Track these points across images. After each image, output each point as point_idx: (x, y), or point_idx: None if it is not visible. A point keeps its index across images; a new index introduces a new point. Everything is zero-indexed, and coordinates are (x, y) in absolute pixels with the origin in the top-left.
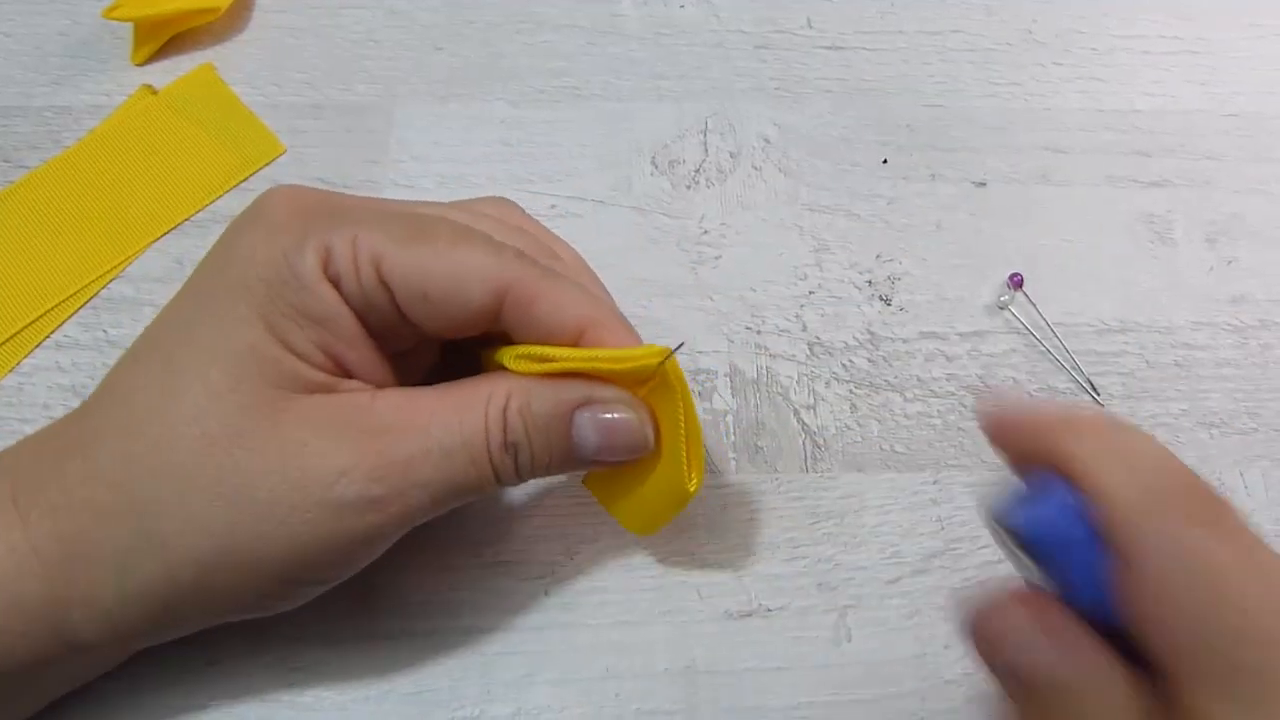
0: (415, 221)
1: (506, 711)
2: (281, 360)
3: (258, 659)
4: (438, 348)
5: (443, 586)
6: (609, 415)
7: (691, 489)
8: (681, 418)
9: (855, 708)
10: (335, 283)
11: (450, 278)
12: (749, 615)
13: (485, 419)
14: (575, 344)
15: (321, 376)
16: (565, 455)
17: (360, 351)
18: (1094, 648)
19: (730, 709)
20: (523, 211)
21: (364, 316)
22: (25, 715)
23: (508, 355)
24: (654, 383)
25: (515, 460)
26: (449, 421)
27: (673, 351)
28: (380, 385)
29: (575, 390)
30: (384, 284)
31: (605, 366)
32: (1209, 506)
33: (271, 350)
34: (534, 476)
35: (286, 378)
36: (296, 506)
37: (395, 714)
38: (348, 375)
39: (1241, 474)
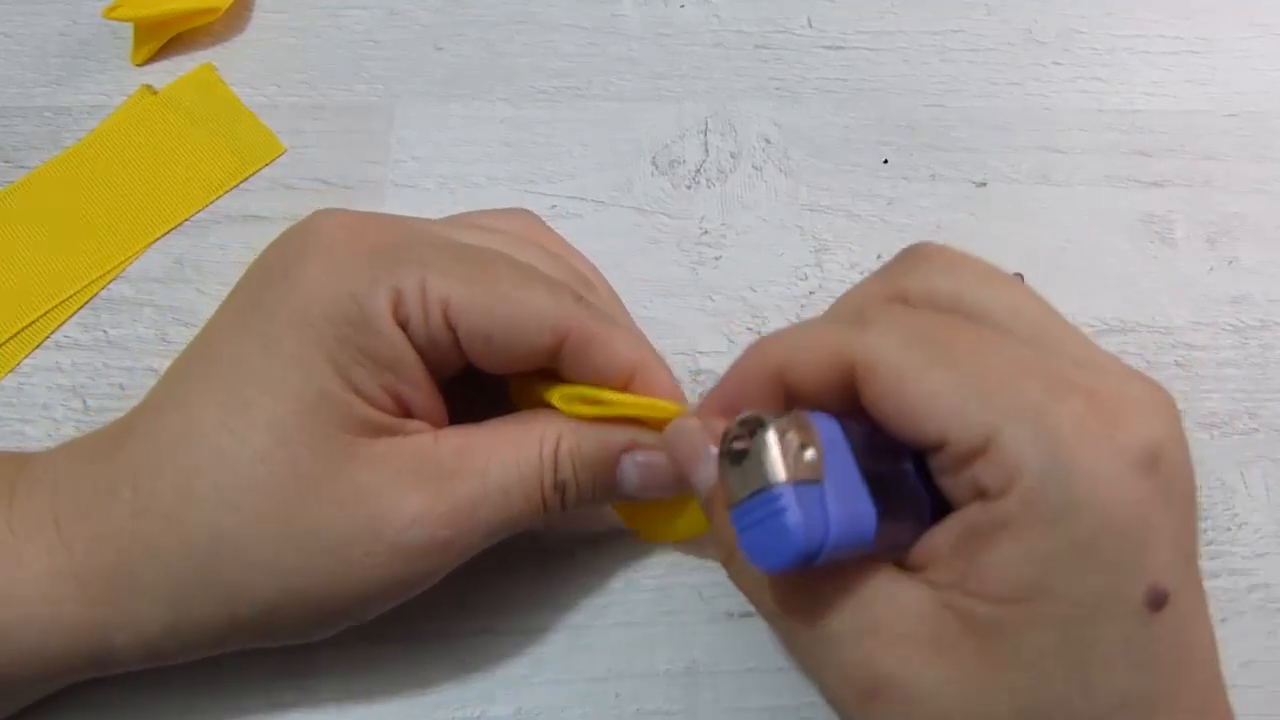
0: (477, 260)
1: (507, 711)
2: (351, 404)
3: (258, 659)
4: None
5: (443, 587)
6: (651, 459)
7: None
8: None
9: None
10: (403, 325)
11: (515, 321)
12: (750, 615)
13: (540, 459)
14: (625, 386)
15: (387, 420)
16: (608, 493)
17: (422, 392)
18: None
19: (731, 709)
20: (545, 226)
21: (426, 357)
22: (22, 706)
23: (555, 395)
24: None
25: (563, 497)
26: (506, 462)
27: None
28: (437, 422)
29: (621, 435)
30: (449, 326)
31: (656, 415)
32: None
33: (341, 395)
34: (576, 509)
35: (354, 422)
36: (369, 551)
37: (395, 714)
38: (409, 415)
39: (1242, 474)
